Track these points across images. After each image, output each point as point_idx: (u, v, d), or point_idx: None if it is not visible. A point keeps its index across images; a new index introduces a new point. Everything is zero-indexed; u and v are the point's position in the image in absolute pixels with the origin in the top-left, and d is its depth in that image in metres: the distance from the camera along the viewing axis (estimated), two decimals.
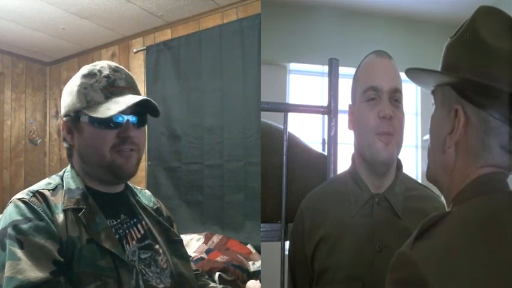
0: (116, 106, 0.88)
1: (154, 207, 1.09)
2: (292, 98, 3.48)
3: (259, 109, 1.48)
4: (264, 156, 1.40)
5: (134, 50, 3.45)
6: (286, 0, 3.29)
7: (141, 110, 0.94)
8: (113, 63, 0.96)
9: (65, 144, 0.98)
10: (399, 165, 1.09)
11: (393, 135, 1.01)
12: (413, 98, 3.70)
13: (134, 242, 0.95)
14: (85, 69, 0.95)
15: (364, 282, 0.99)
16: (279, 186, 1.38)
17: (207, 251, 2.55)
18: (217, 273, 2.19)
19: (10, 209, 0.84)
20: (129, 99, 0.90)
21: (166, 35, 3.29)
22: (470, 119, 0.69)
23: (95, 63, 0.96)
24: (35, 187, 0.89)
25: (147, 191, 1.14)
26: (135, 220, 0.99)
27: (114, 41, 3.59)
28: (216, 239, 2.68)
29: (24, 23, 3.19)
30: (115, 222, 0.94)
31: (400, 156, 1.08)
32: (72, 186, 0.91)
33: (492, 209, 0.64)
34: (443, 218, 0.64)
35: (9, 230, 0.79)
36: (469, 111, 0.69)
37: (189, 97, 3.03)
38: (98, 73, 0.92)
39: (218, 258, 2.38)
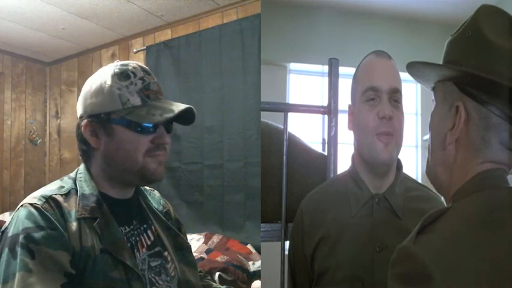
0: (159, 111, 0.85)
1: (164, 210, 1.06)
2: (292, 98, 3.48)
3: (259, 109, 1.48)
4: (264, 156, 1.40)
5: (134, 50, 3.45)
6: (286, 0, 3.29)
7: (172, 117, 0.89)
8: (142, 64, 0.92)
9: (83, 147, 0.91)
10: (399, 166, 1.09)
11: (393, 135, 1.01)
12: (413, 98, 3.70)
13: (144, 250, 0.92)
14: (115, 68, 0.89)
15: (364, 282, 0.99)
16: (279, 186, 1.38)
17: (207, 251, 2.55)
18: (217, 273, 2.19)
19: (22, 213, 0.80)
20: (176, 106, 0.87)
21: (166, 35, 3.29)
22: (471, 115, 0.69)
23: (124, 63, 0.91)
24: (47, 192, 0.85)
25: (156, 192, 1.11)
26: (145, 226, 0.96)
27: (114, 41, 3.59)
28: (216, 239, 2.69)
29: (24, 23, 3.19)
30: (127, 230, 0.91)
31: (400, 156, 1.08)
32: (86, 191, 0.87)
33: (493, 204, 0.64)
34: (445, 213, 0.64)
35: (21, 238, 0.76)
36: (470, 107, 0.69)
37: (189, 97, 3.03)
38: (132, 74, 0.88)
39: (218, 258, 2.38)
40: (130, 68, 0.89)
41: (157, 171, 0.90)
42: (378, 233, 1.01)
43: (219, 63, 2.90)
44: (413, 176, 2.02)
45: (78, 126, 0.90)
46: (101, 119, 0.87)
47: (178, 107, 0.88)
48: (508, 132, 0.68)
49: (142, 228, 0.95)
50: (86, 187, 0.88)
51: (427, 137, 0.80)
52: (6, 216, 3.47)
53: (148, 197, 1.05)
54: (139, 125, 0.86)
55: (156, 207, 1.04)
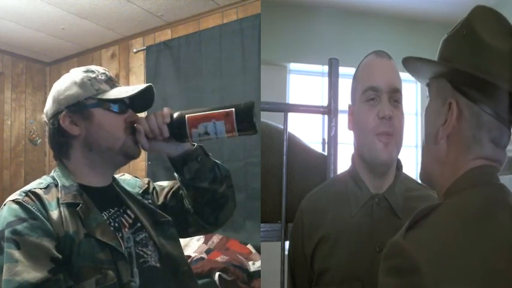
0: (130, 89, 0.96)
1: (140, 191, 1.09)
2: (292, 98, 3.48)
3: (259, 109, 1.48)
4: (264, 156, 1.40)
5: (134, 50, 3.45)
6: (286, 0, 3.29)
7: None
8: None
9: (62, 139, 0.96)
10: (399, 166, 1.09)
11: (393, 135, 1.01)
12: (413, 98, 3.70)
13: (127, 229, 0.97)
14: (81, 68, 1.00)
15: (363, 282, 0.99)
16: (279, 186, 1.38)
17: (207, 251, 2.55)
18: (217, 273, 2.19)
19: (4, 211, 0.85)
20: (137, 87, 0.97)
21: (166, 35, 3.29)
22: (463, 113, 0.70)
23: (86, 66, 1.02)
24: (27, 187, 0.90)
25: (126, 174, 1.14)
26: (123, 207, 1.01)
27: (114, 41, 3.59)
28: (216, 239, 2.68)
29: (24, 23, 3.19)
30: (109, 214, 0.96)
31: (400, 156, 1.08)
32: (66, 183, 0.93)
33: (483, 200, 0.65)
34: (435, 209, 0.65)
35: (6, 233, 0.80)
36: (462, 105, 0.70)
37: (189, 97, 3.02)
38: (96, 71, 0.99)
39: (218, 258, 2.39)
40: (92, 67, 1.01)
41: (136, 147, 0.98)
42: (378, 233, 1.01)
43: (219, 63, 2.90)
44: (413, 176, 2.02)
45: (53, 124, 0.96)
46: (78, 106, 0.94)
47: (142, 86, 0.98)
48: (499, 130, 0.69)
49: (121, 210, 1.00)
50: (65, 180, 0.94)
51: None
52: None
53: (120, 181, 1.08)
54: (113, 106, 0.96)
55: (131, 190, 1.07)
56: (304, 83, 3.61)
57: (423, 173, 0.80)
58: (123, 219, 0.98)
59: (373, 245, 1.00)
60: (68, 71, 1.02)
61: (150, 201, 1.08)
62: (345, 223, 1.04)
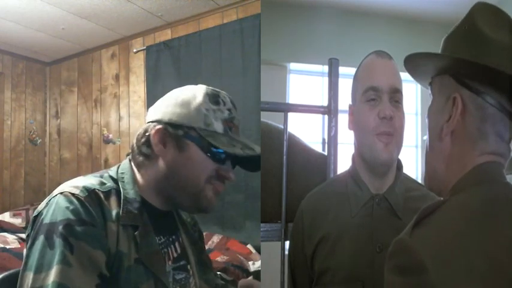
0: (239, 145, 0.85)
1: (192, 222, 1.03)
2: (292, 98, 3.48)
3: (259, 109, 1.48)
4: (264, 156, 1.40)
5: (134, 50, 3.45)
6: (286, 0, 3.29)
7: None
8: (231, 98, 0.92)
9: (148, 151, 0.86)
10: (399, 166, 1.09)
11: (393, 135, 1.01)
12: (413, 98, 3.70)
13: (170, 262, 0.88)
14: (207, 89, 0.90)
15: (364, 282, 0.99)
16: (279, 186, 1.38)
17: (207, 251, 2.54)
18: (217, 273, 2.19)
19: (61, 202, 0.74)
20: (256, 147, 0.88)
21: (166, 35, 3.29)
22: (468, 107, 0.70)
23: (217, 90, 0.91)
24: (89, 184, 0.79)
25: None
26: (174, 237, 0.93)
27: (114, 41, 3.59)
28: (216, 239, 2.68)
29: (24, 23, 3.19)
30: (160, 241, 0.88)
31: (400, 156, 1.08)
32: (130, 195, 0.83)
33: (489, 198, 0.65)
34: (441, 206, 0.65)
35: (61, 229, 0.71)
36: (466, 99, 0.70)
37: None
38: (222, 102, 0.88)
39: (218, 258, 2.38)
40: (221, 96, 0.89)
41: (212, 201, 0.88)
42: (378, 233, 1.01)
43: (219, 63, 2.90)
44: (413, 176, 2.02)
45: (146, 130, 0.87)
46: (177, 130, 0.84)
47: (257, 148, 0.87)
48: (503, 122, 0.69)
49: (171, 239, 0.92)
50: (129, 190, 0.84)
51: (427, 137, 0.80)
52: (6, 216, 3.47)
53: None
54: (210, 150, 0.84)
55: (185, 218, 1.01)
56: (304, 83, 3.61)
57: (428, 177, 0.79)
58: (169, 250, 0.89)
59: (374, 245, 1.00)
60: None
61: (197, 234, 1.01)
62: (345, 223, 1.04)
